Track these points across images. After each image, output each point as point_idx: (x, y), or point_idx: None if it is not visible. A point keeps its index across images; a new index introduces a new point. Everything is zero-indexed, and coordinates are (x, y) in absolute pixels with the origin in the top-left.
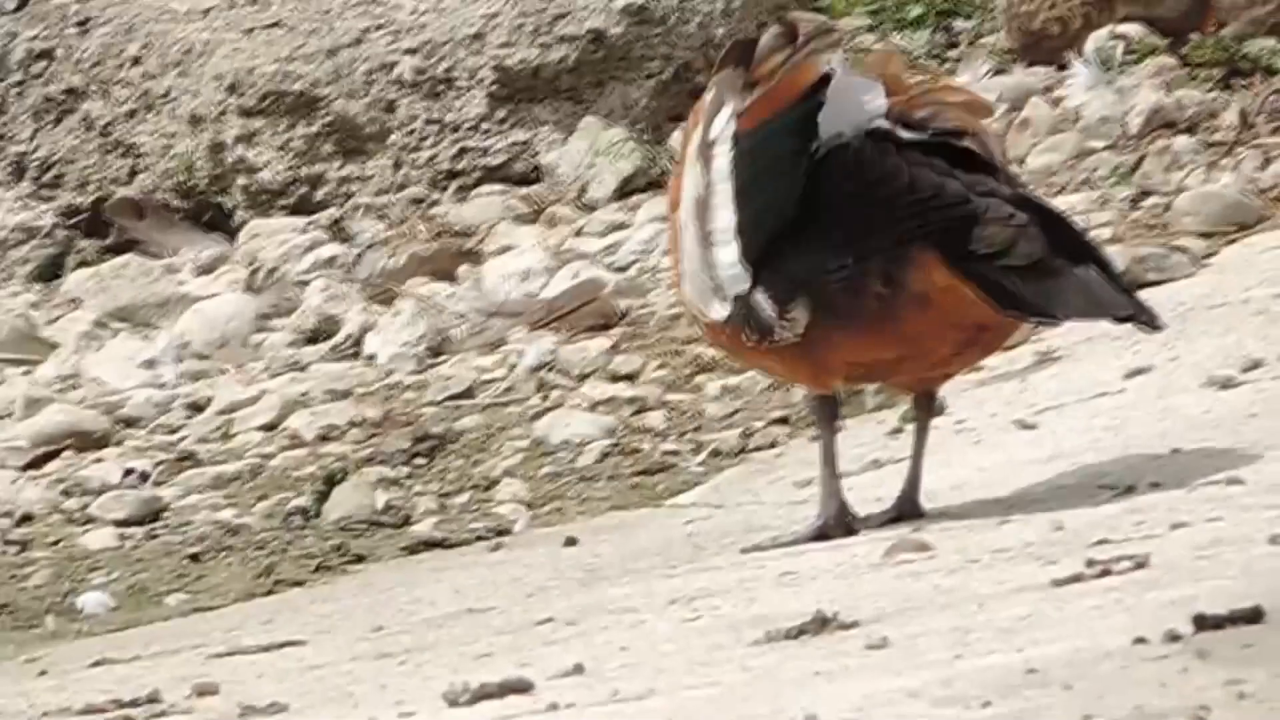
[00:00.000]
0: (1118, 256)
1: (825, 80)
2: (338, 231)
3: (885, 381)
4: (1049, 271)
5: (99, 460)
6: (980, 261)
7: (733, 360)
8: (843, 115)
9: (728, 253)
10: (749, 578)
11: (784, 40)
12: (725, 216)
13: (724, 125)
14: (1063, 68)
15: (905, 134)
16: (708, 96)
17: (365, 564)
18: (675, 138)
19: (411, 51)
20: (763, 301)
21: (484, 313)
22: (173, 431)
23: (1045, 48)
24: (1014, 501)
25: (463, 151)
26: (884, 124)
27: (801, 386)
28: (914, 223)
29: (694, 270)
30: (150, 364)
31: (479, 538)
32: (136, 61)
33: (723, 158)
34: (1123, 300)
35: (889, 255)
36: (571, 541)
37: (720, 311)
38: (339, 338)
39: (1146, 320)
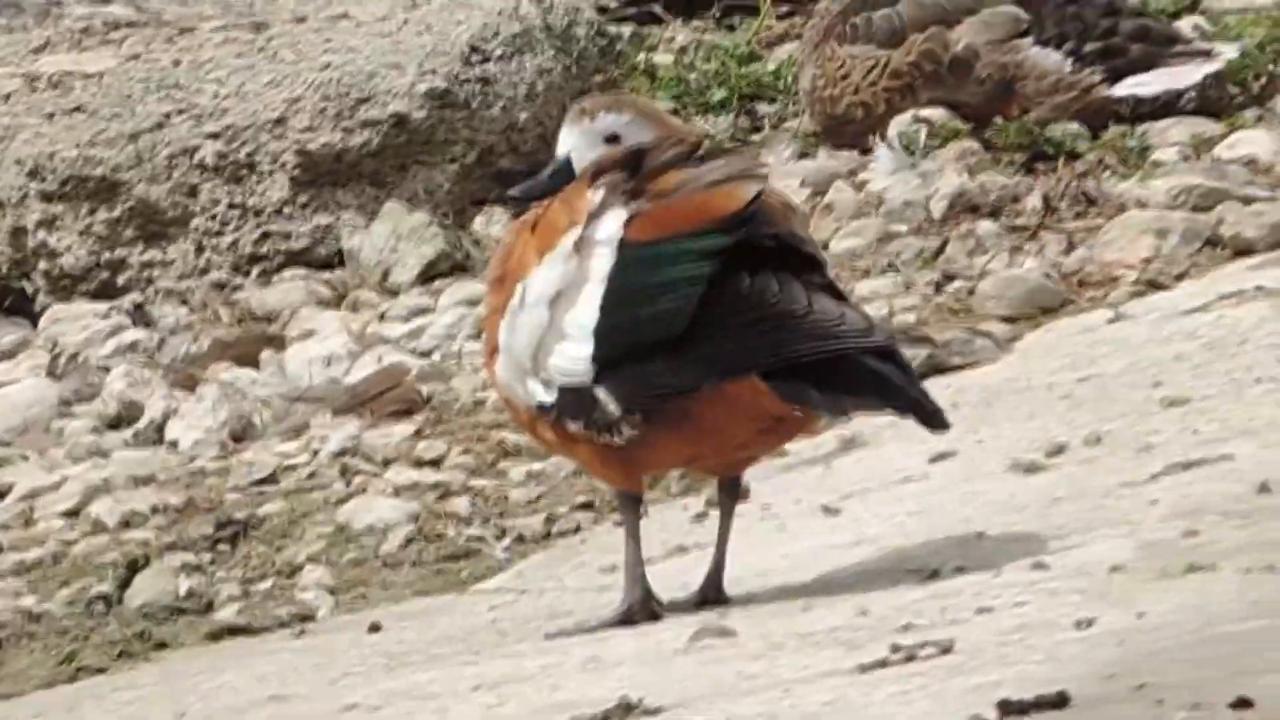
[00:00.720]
0: (923, 341)
1: (750, 213)
2: (140, 317)
3: (690, 468)
4: (835, 364)
5: None
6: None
7: (539, 446)
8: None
9: (576, 348)
10: (553, 664)
11: (683, 155)
12: (587, 314)
13: (611, 229)
14: (866, 152)
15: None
16: (595, 196)
17: (168, 651)
18: (479, 221)
19: (214, 136)
20: (606, 399)
21: (287, 398)
22: None
23: (848, 132)
24: (819, 586)
25: (265, 236)
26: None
27: (608, 484)
28: (775, 340)
29: (520, 351)
30: None
31: (283, 624)
32: None
33: (603, 260)
34: (906, 393)
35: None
36: (376, 627)
37: (539, 396)
38: (142, 423)
39: (929, 416)
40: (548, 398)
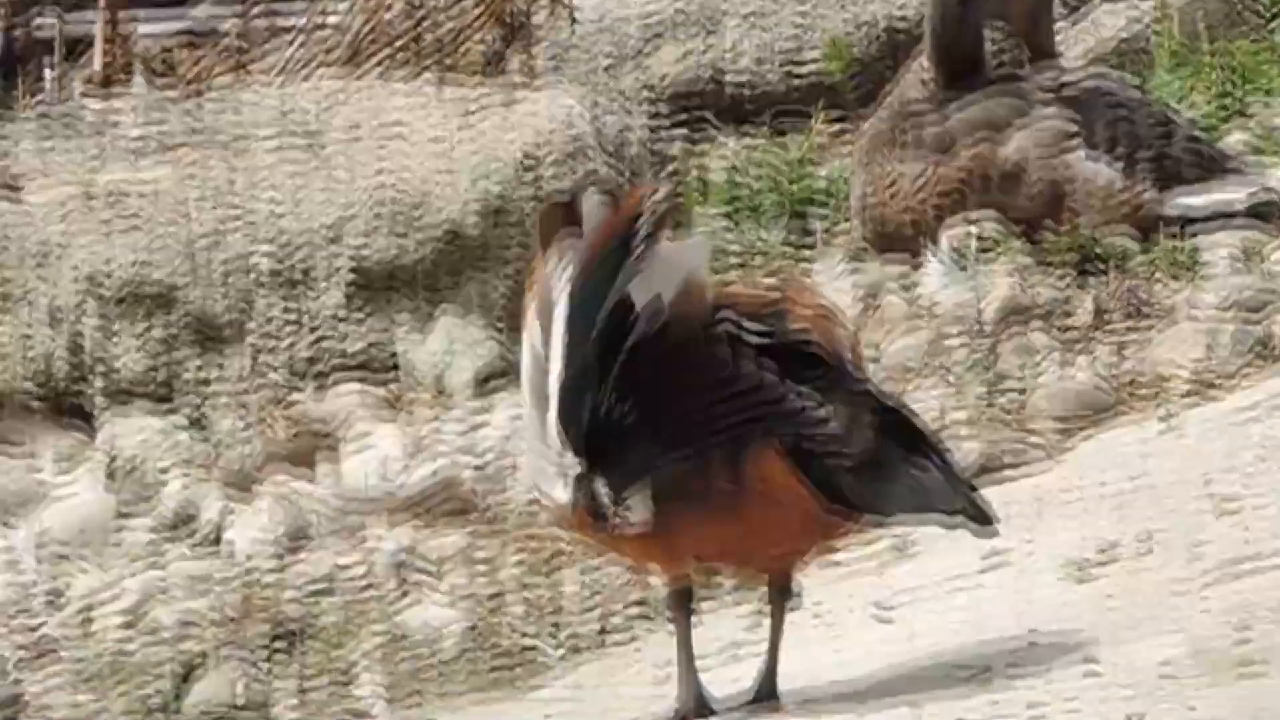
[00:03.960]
0: (974, 448)
1: (640, 216)
2: (197, 425)
3: (738, 568)
4: (880, 467)
5: None
6: (813, 456)
7: (583, 539)
8: (665, 277)
9: (553, 415)
10: None
11: (611, 201)
12: (555, 375)
13: (563, 284)
14: (917, 261)
15: (751, 336)
16: (548, 263)
17: None
18: None
19: (268, 245)
20: (601, 490)
21: (343, 505)
22: (33, 621)
23: (898, 243)
24: (872, 688)
25: (320, 344)
26: (730, 326)
27: (653, 571)
28: (737, 418)
29: (532, 443)
30: (10, 555)
31: None
32: None
33: (560, 318)
34: (952, 498)
35: (729, 450)
36: None
37: (562, 494)
38: (199, 530)
39: (978, 517)
40: (567, 493)
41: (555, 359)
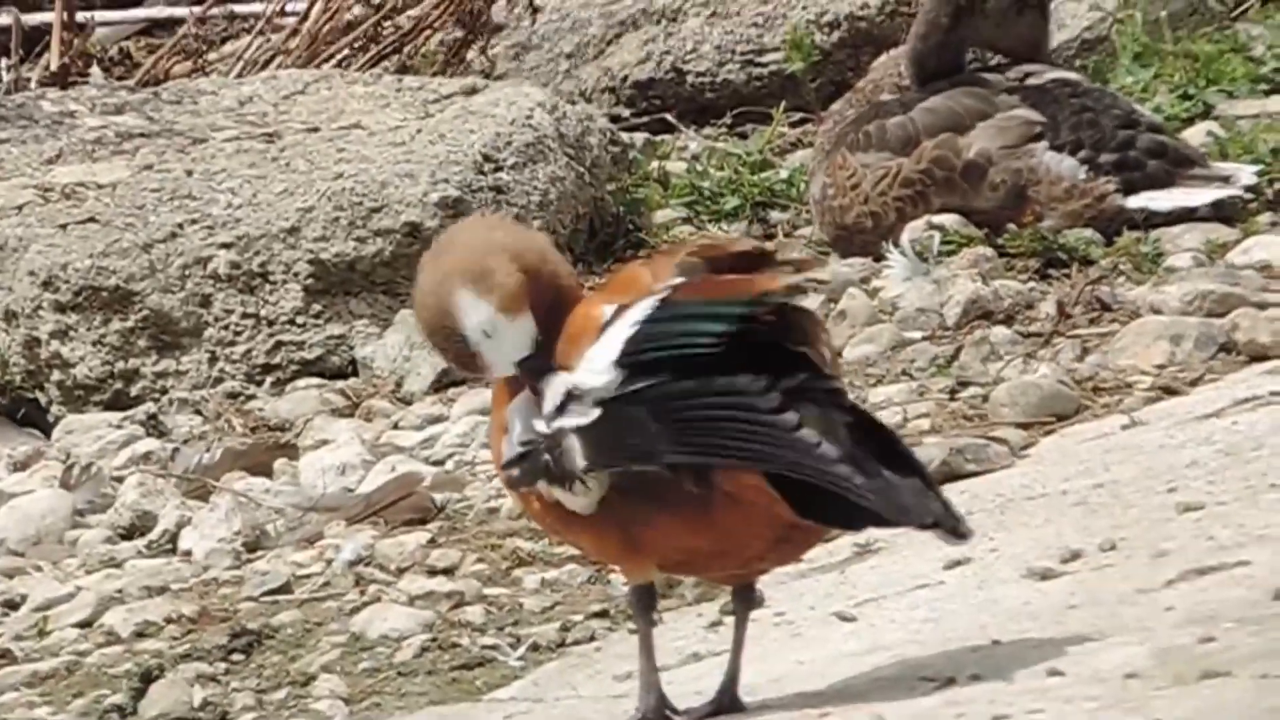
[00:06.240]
0: (936, 448)
1: (771, 294)
2: (154, 427)
3: (703, 575)
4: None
5: None
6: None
7: (544, 530)
8: None
9: (596, 366)
10: None
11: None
12: (609, 350)
13: (656, 297)
14: (879, 258)
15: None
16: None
17: None
18: None
19: (227, 246)
20: (575, 451)
21: (301, 507)
22: None
23: (858, 241)
24: (834, 694)
25: (278, 345)
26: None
27: (613, 566)
28: (735, 432)
29: (524, 420)
30: None
31: None
32: None
33: (640, 311)
34: (926, 507)
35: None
36: None
37: (526, 436)
38: (155, 533)
39: (951, 528)
40: (516, 449)
41: (619, 333)
